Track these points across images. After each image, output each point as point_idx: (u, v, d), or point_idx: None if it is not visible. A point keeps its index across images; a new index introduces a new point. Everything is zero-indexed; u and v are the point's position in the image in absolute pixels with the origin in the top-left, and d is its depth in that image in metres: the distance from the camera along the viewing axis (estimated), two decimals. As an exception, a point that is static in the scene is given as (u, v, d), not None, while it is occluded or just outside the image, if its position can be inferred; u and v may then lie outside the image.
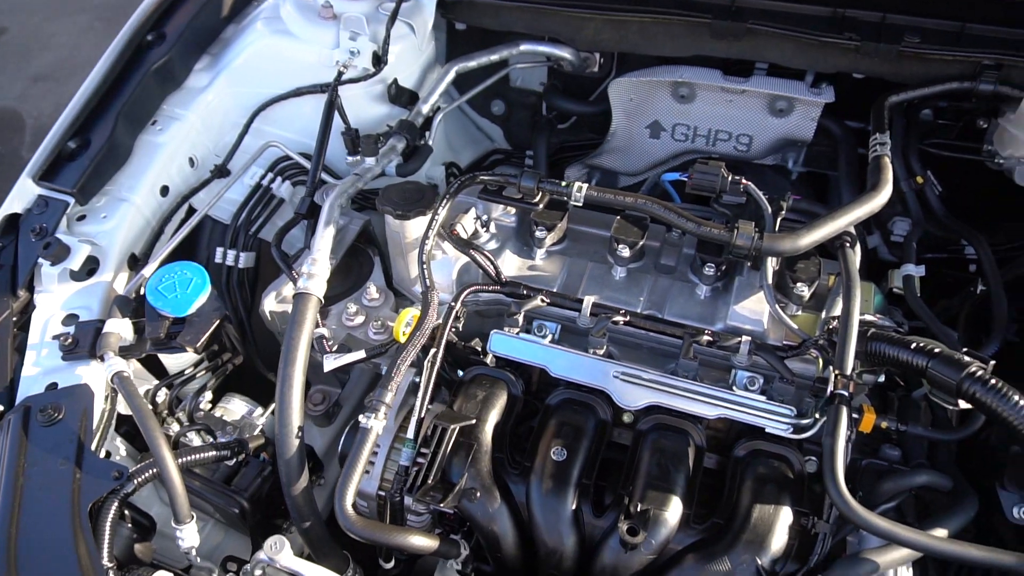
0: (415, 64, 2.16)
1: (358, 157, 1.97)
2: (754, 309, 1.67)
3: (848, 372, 1.41)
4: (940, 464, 1.53)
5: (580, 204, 1.73)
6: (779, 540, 1.40)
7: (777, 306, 1.63)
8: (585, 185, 1.72)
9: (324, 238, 1.68)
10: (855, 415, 1.49)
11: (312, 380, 2.00)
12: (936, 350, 1.39)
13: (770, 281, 1.64)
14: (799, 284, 1.65)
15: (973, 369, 1.34)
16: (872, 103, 2.00)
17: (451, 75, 2.11)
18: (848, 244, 1.64)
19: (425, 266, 1.63)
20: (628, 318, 1.65)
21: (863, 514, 1.26)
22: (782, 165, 2.46)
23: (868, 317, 1.61)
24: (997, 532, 1.52)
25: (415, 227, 1.71)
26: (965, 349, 1.41)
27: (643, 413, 1.61)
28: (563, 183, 1.74)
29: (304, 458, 1.51)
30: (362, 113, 2.11)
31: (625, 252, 1.75)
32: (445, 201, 1.70)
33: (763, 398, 1.54)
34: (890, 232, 2.27)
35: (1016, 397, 1.31)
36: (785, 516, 1.43)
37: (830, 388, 1.41)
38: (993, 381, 1.32)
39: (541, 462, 1.51)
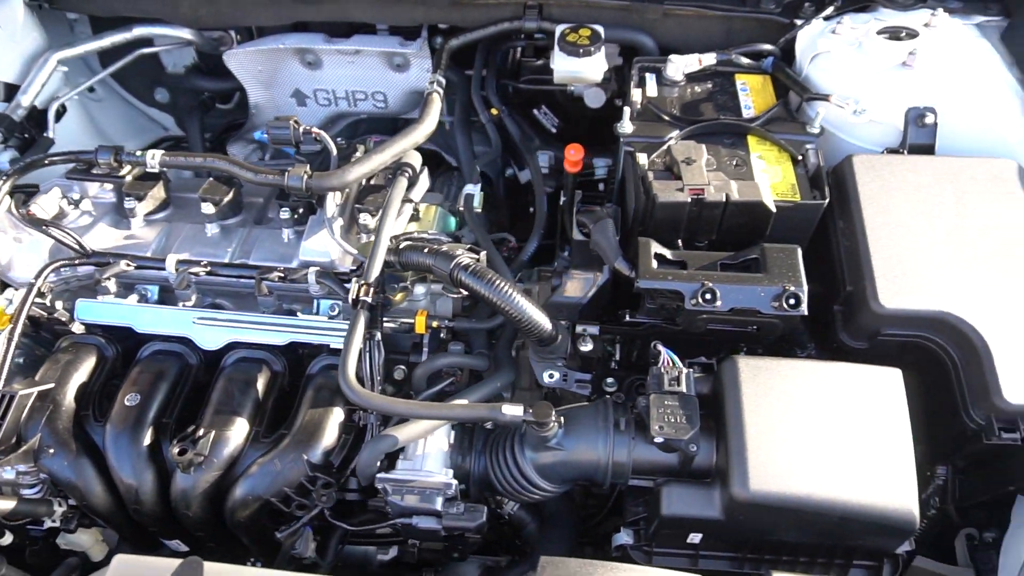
0: (11, 57, 2.17)
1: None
2: (325, 243, 1.84)
3: (370, 280, 1.61)
4: (481, 348, 1.77)
5: (156, 170, 1.84)
6: (329, 436, 1.59)
7: (351, 236, 1.81)
8: (159, 152, 1.84)
9: None
10: (409, 320, 1.71)
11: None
12: (440, 249, 1.62)
13: (329, 215, 1.82)
14: (363, 215, 1.84)
15: (461, 260, 1.57)
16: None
17: (50, 64, 2.15)
18: (402, 174, 1.85)
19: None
20: (208, 268, 1.78)
21: (360, 393, 1.46)
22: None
23: (425, 235, 1.82)
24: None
25: (-19, 211, 1.77)
26: (468, 246, 1.65)
27: (228, 351, 1.75)
28: (139, 153, 1.84)
29: None
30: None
31: (210, 209, 1.88)
32: (5, 182, 1.76)
33: (324, 318, 1.73)
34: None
35: (495, 280, 1.55)
36: (336, 416, 1.62)
37: (351, 296, 1.60)
38: (476, 268, 1.56)
39: (116, 409, 1.62)
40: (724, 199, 1.62)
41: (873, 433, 1.43)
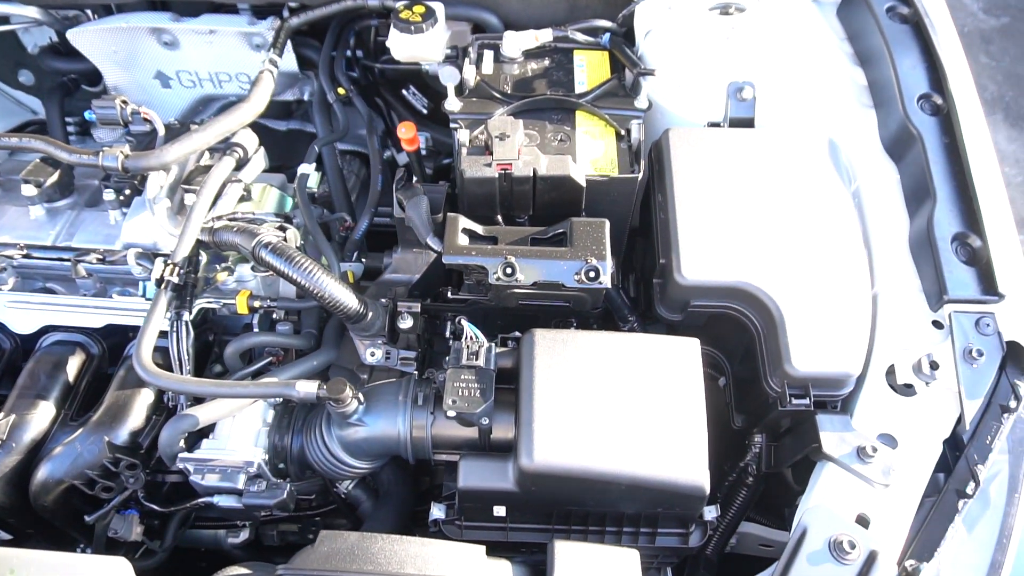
0: None
1: None
2: (147, 224, 1.81)
3: (177, 260, 1.59)
4: (307, 327, 1.77)
5: (-29, 151, 1.80)
6: (136, 417, 1.58)
7: (163, 216, 1.78)
8: (-24, 133, 1.79)
9: None
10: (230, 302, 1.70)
11: None
12: (245, 228, 1.60)
13: (151, 196, 1.78)
14: (189, 195, 1.81)
15: (263, 238, 1.56)
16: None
17: None
18: (229, 154, 1.83)
19: None
20: (25, 251, 1.75)
21: (151, 372, 1.45)
22: (300, 99, 2.64)
23: (252, 214, 1.80)
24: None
25: None
26: (279, 225, 1.64)
27: (42, 335, 1.72)
28: (-48, 134, 1.80)
29: None
30: None
31: (31, 191, 1.84)
32: None
33: (141, 299, 1.71)
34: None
35: (298, 259, 1.54)
36: (144, 397, 1.61)
37: (155, 275, 1.58)
38: (277, 245, 1.55)
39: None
40: (532, 173, 1.63)
41: (666, 402, 1.45)
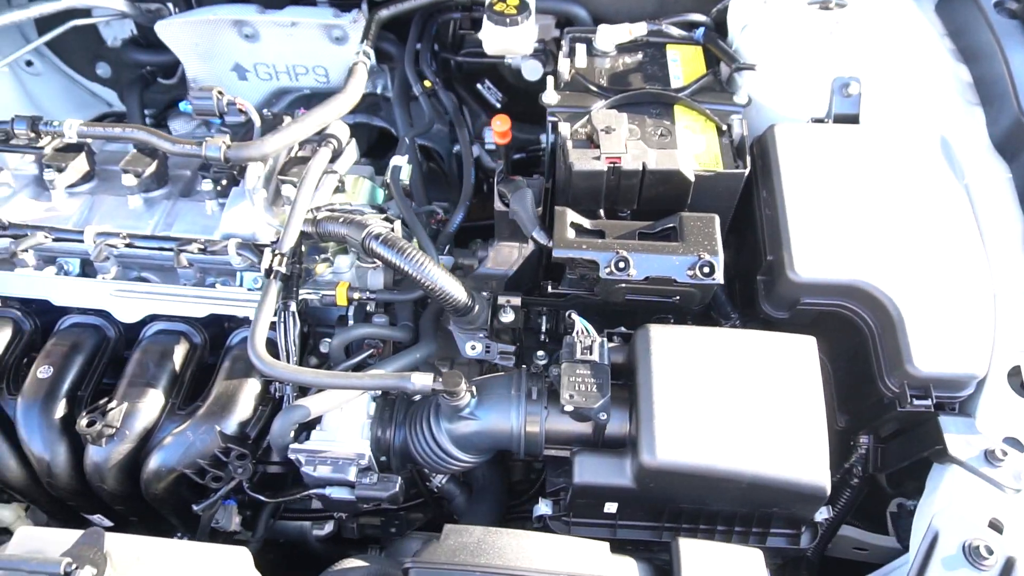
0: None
1: None
2: (247, 214, 1.81)
3: (284, 250, 1.59)
4: (402, 319, 1.76)
5: (74, 140, 1.80)
6: (244, 407, 1.58)
7: (260, 207, 1.79)
8: (77, 122, 1.80)
9: None
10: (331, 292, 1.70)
11: None
12: (353, 219, 1.60)
13: (250, 186, 1.79)
14: (285, 186, 1.82)
15: (372, 228, 1.55)
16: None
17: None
18: (326, 145, 1.82)
19: None
20: (127, 240, 1.75)
21: (267, 362, 1.45)
22: (372, 92, 2.63)
23: (349, 205, 1.80)
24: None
25: None
26: (383, 217, 1.63)
27: (147, 323, 1.72)
28: (57, 123, 1.80)
29: None
30: None
31: (131, 181, 1.85)
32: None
33: (243, 289, 1.71)
34: (483, 140, 2.50)
35: (407, 249, 1.54)
36: (251, 387, 1.60)
37: (264, 265, 1.58)
38: (386, 237, 1.54)
39: (28, 382, 1.60)
40: (641, 167, 1.61)
41: (785, 400, 1.43)
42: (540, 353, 1.73)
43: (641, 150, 1.64)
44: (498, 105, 2.53)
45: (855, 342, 1.61)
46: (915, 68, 1.85)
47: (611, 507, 1.51)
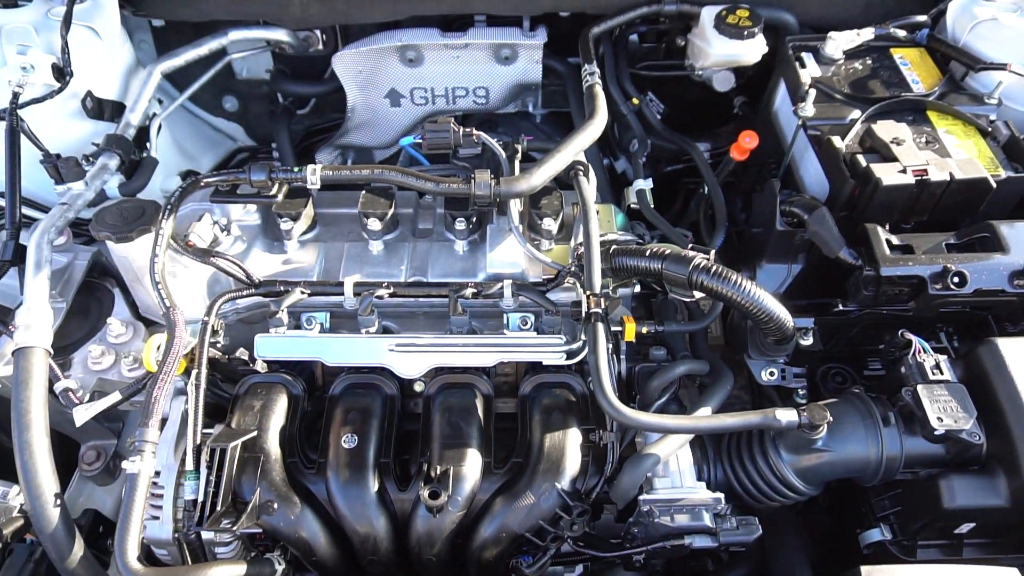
0: (111, 71, 1.95)
1: (66, 185, 1.77)
2: (510, 252, 1.72)
3: (597, 290, 1.50)
4: (700, 352, 1.69)
5: (318, 187, 1.67)
6: (573, 461, 1.48)
7: (529, 244, 1.69)
8: (319, 167, 1.67)
9: (37, 282, 1.50)
10: (617, 328, 1.61)
11: (81, 438, 1.82)
12: (667, 252, 1.52)
13: (516, 223, 1.70)
14: (546, 219, 1.72)
15: (698, 262, 1.48)
16: (581, 38, 2.12)
17: (155, 78, 1.93)
18: (581, 172, 1.74)
19: (160, 285, 1.50)
20: (391, 290, 1.63)
21: (629, 414, 1.36)
22: (524, 111, 2.54)
23: (610, 236, 1.72)
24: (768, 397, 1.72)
25: (141, 247, 1.57)
26: (691, 245, 1.56)
27: (430, 378, 1.61)
28: (296, 169, 1.67)
29: (71, 526, 1.36)
30: (62, 135, 1.89)
31: (376, 225, 1.73)
32: (168, 212, 1.57)
33: (534, 334, 1.61)
34: (631, 154, 2.44)
35: (735, 278, 1.46)
36: (574, 437, 1.51)
37: (583, 308, 1.49)
38: (715, 268, 1.47)
39: (334, 454, 1.47)
40: (948, 178, 1.58)
41: None
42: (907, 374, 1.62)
43: (940, 160, 1.61)
44: (658, 117, 2.47)
45: None
46: None
47: (964, 527, 1.47)
